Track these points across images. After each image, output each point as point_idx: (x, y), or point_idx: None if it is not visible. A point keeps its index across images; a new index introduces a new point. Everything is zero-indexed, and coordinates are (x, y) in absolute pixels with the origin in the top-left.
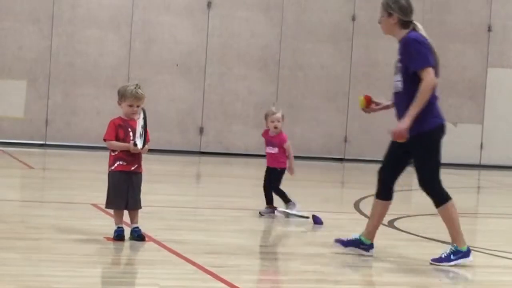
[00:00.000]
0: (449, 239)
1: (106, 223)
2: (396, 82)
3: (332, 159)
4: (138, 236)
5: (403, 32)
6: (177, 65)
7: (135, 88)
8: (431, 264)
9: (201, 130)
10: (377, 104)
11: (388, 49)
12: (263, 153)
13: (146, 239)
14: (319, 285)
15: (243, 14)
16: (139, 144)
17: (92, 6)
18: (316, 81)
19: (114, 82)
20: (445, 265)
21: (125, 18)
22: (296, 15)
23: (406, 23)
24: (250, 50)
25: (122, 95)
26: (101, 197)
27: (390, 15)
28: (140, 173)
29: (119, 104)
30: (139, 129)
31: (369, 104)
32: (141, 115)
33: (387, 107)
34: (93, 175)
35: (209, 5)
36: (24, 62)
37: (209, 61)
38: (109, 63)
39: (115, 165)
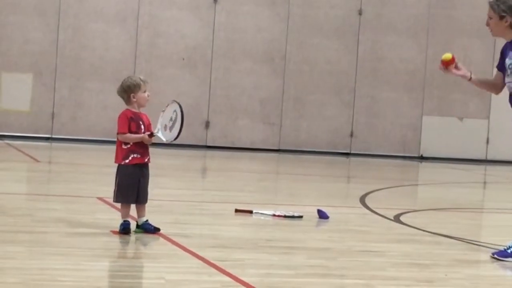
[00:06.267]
0: (457, 235)
1: (112, 217)
2: (511, 83)
3: (338, 153)
4: (154, 229)
5: None
6: (183, 59)
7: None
8: (493, 258)
9: (207, 124)
10: (457, 68)
11: (394, 44)
12: (269, 147)
13: (154, 232)
14: (324, 280)
15: (249, 9)
16: (163, 137)
17: (98, 0)
18: (322, 75)
19: (120, 76)
20: (510, 261)
21: (131, 12)
22: (302, 10)
23: None
24: (256, 44)
25: (135, 86)
26: (107, 191)
27: (502, 17)
28: (149, 164)
29: (131, 98)
30: (164, 121)
31: (452, 63)
32: (171, 107)
33: (464, 75)
34: (99, 169)
35: None
36: (30, 55)
37: (215, 56)
38: (115, 57)
39: (130, 158)
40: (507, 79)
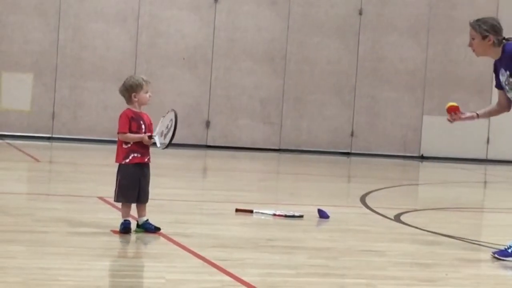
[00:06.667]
0: (457, 234)
1: (113, 216)
2: None
3: (339, 153)
4: (154, 228)
5: (498, 50)
6: (183, 59)
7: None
8: (494, 257)
9: (207, 124)
10: (462, 113)
11: (394, 44)
12: (270, 147)
13: (154, 231)
14: (325, 279)
15: (250, 9)
16: (158, 142)
17: (99, 0)
18: (323, 75)
19: (120, 76)
20: (510, 260)
21: (132, 12)
22: (302, 9)
23: (500, 41)
24: (256, 44)
25: (138, 86)
26: (108, 190)
27: (485, 37)
28: (149, 164)
29: (132, 97)
30: (162, 128)
31: (456, 111)
32: (169, 115)
33: (471, 117)
34: (99, 169)
35: None
36: (30, 55)
37: (215, 56)
38: (116, 57)
39: (130, 157)
40: (509, 95)
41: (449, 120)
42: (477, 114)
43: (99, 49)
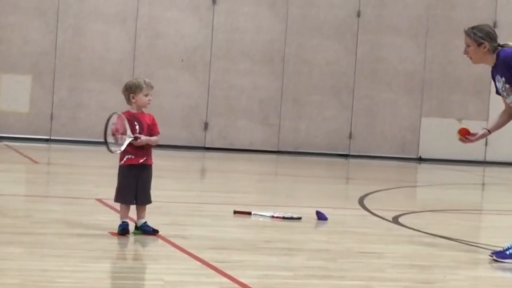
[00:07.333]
0: (455, 236)
1: (111, 218)
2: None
3: (337, 155)
4: (153, 231)
5: (493, 57)
6: (182, 60)
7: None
8: (492, 258)
9: (206, 126)
10: (473, 135)
11: (393, 45)
12: (268, 149)
13: (152, 233)
14: (324, 281)
15: (249, 10)
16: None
17: (98, 1)
18: (321, 77)
19: (119, 77)
20: (508, 262)
21: (131, 13)
22: (301, 11)
23: (495, 48)
24: (255, 45)
25: (137, 87)
26: (106, 192)
27: (480, 44)
28: (150, 165)
29: (130, 98)
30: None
31: (467, 134)
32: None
33: (483, 136)
34: (98, 170)
35: (214, 0)
36: (29, 56)
37: (214, 57)
38: (115, 58)
39: (124, 159)
40: (508, 100)
41: (461, 140)
42: (489, 131)
43: (98, 50)
